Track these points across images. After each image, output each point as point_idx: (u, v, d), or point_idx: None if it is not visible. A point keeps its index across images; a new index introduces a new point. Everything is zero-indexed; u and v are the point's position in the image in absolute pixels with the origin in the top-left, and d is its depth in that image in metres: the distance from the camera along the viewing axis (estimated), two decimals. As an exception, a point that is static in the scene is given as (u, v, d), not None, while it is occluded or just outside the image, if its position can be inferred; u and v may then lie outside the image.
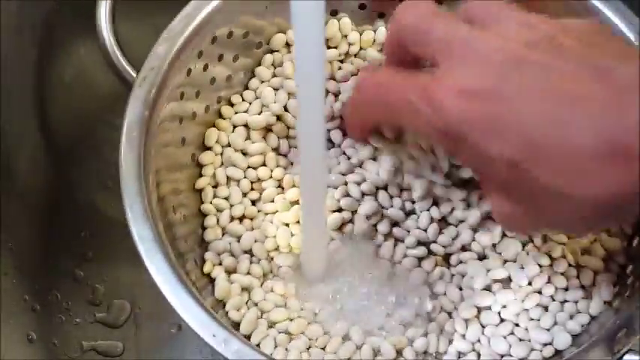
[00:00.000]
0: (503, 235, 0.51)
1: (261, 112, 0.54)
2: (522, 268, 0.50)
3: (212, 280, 0.51)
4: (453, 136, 0.42)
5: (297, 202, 0.52)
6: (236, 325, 0.49)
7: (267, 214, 0.53)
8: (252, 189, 0.53)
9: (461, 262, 0.51)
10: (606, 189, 0.40)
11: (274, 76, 0.55)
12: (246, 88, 0.55)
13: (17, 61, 0.58)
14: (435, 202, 0.51)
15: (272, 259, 0.52)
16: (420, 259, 0.51)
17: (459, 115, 0.42)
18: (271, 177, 0.53)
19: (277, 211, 0.53)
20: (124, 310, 0.59)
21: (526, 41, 0.42)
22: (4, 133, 0.56)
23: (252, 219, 0.53)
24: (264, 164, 0.54)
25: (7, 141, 0.57)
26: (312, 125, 0.44)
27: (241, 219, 0.53)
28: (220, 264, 0.51)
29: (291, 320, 0.50)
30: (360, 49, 0.56)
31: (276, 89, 0.54)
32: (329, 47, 0.55)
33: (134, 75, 0.50)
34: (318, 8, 0.40)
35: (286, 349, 0.49)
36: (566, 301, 0.49)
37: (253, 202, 0.53)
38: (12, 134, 0.57)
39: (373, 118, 0.49)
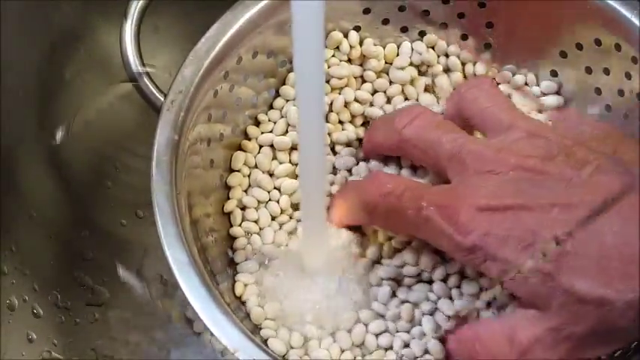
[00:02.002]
0: None
1: (287, 131, 0.54)
2: None
3: (244, 302, 0.50)
4: (477, 252, 0.42)
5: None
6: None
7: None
8: (281, 212, 0.53)
9: None
10: None
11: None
12: (272, 107, 0.55)
13: (21, 61, 0.57)
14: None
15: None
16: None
17: (483, 233, 0.42)
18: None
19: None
20: (124, 310, 0.59)
21: (542, 156, 0.43)
22: (3, 133, 0.56)
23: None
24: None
25: (7, 141, 0.56)
26: (311, 121, 0.43)
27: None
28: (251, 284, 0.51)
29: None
30: (385, 63, 0.55)
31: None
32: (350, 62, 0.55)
33: (161, 98, 0.50)
34: (319, 7, 0.39)
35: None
36: None
37: (281, 226, 0.53)
38: (12, 134, 0.57)
39: (376, 223, 0.49)
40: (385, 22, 0.55)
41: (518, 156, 0.43)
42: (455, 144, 0.45)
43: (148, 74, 0.51)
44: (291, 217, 0.52)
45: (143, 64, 0.51)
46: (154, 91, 0.51)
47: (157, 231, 0.46)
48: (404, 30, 0.55)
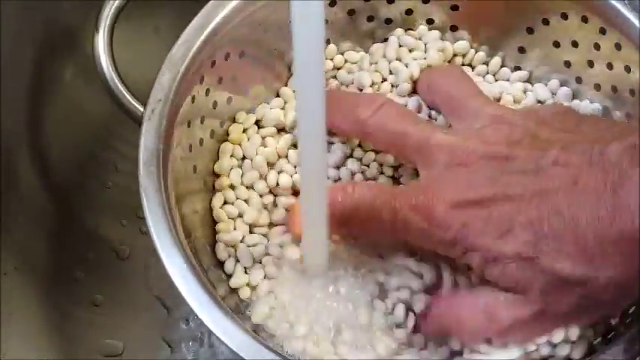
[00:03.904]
0: None
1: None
2: None
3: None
4: (458, 245, 0.43)
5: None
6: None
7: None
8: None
9: None
10: (620, 271, 0.41)
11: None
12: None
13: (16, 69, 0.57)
14: None
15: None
16: None
17: (462, 227, 0.43)
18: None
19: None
20: (124, 310, 0.59)
21: (508, 141, 0.44)
22: (4, 133, 0.56)
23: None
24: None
25: (6, 142, 0.56)
26: (311, 121, 0.43)
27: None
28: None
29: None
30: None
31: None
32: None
33: (139, 107, 0.50)
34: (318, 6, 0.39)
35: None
36: None
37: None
38: (11, 135, 0.56)
39: (356, 233, 0.48)
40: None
41: (485, 144, 0.44)
42: (422, 135, 0.46)
43: (124, 84, 0.51)
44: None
45: (119, 75, 0.51)
46: (131, 100, 0.51)
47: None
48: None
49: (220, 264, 0.51)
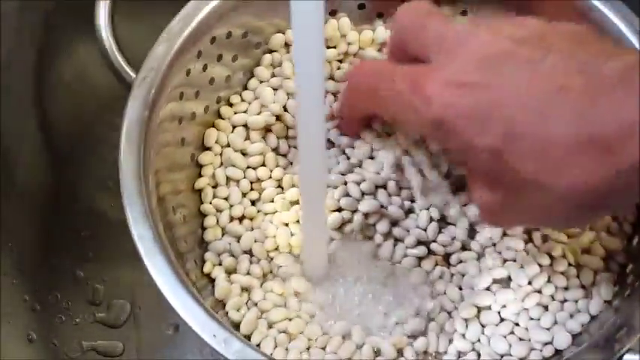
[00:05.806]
0: (504, 234, 0.51)
1: (260, 112, 0.54)
2: (522, 267, 0.50)
3: (212, 281, 0.51)
4: (440, 126, 0.43)
5: (296, 202, 0.53)
6: (236, 326, 0.49)
7: (266, 214, 0.53)
8: (251, 189, 0.53)
9: (461, 261, 0.51)
10: (580, 180, 0.40)
11: (273, 76, 0.55)
12: (246, 88, 0.55)
13: (17, 61, 0.58)
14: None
15: (271, 259, 0.52)
16: (420, 258, 0.51)
17: (446, 106, 0.42)
18: (270, 177, 0.53)
19: (277, 211, 0.53)
20: (124, 310, 0.59)
21: (516, 37, 0.43)
22: (4, 132, 0.56)
23: (251, 219, 0.53)
24: (263, 164, 0.54)
25: (7, 141, 0.57)
26: (311, 125, 0.44)
27: (241, 219, 0.53)
28: (220, 264, 0.51)
29: (290, 320, 0.50)
30: (359, 48, 0.56)
31: (275, 89, 0.54)
32: (328, 47, 0.55)
33: (133, 75, 0.50)
34: (318, 7, 0.40)
35: (286, 349, 0.49)
36: (565, 300, 0.50)
37: (253, 202, 0.53)
38: (12, 134, 0.57)
39: (363, 107, 0.50)
40: (361, 6, 0.56)
41: (492, 35, 0.43)
42: (442, 26, 0.45)
43: (122, 52, 0.51)
44: (260, 194, 0.53)
45: (118, 44, 0.51)
46: (127, 68, 0.51)
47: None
48: (380, 15, 0.56)
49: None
